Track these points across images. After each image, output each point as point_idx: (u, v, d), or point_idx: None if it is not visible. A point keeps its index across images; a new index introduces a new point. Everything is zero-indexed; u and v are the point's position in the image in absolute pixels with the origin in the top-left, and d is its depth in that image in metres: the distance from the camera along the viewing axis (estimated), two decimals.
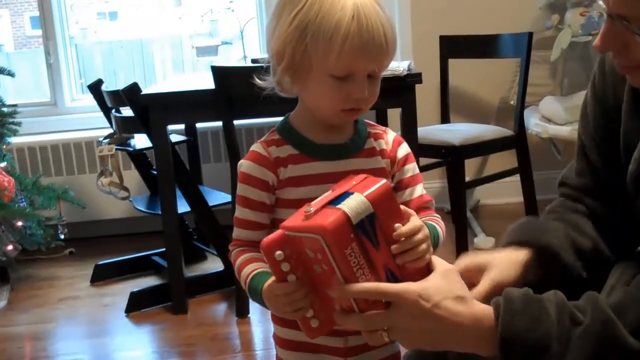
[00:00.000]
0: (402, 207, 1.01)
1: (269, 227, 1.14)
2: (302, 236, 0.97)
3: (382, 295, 0.98)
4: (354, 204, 0.96)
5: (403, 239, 0.98)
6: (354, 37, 1.02)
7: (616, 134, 1.19)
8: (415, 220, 1.00)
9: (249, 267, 1.10)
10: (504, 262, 1.17)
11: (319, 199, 1.01)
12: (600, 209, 1.25)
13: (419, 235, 1.00)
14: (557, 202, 1.33)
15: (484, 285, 1.13)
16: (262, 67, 1.15)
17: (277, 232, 1.01)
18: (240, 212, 1.14)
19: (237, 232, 1.15)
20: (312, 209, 0.97)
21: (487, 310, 1.02)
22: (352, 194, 0.97)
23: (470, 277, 1.15)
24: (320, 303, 1.03)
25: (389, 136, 1.18)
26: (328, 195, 1.00)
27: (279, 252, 1.00)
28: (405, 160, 1.17)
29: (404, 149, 1.18)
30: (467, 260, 1.18)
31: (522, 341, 0.98)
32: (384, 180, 0.99)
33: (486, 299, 1.06)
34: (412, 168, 1.18)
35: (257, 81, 1.14)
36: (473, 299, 1.03)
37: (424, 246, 1.00)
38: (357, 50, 1.03)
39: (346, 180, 1.03)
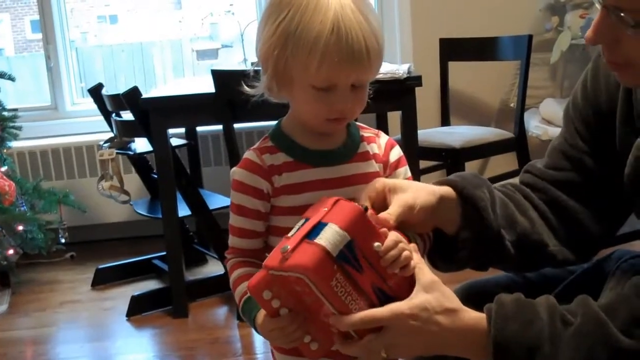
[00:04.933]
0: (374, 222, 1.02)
1: (264, 234, 1.13)
2: (286, 275, 0.97)
3: (376, 323, 1.00)
4: (331, 236, 0.95)
5: (386, 255, 1.00)
6: (332, 51, 1.01)
7: (609, 135, 1.19)
8: (391, 235, 1.01)
9: (244, 285, 1.09)
10: (420, 188, 1.12)
11: (294, 231, 1.00)
12: (571, 204, 1.23)
13: (400, 245, 1.01)
14: (513, 184, 1.31)
15: (394, 207, 1.07)
16: (251, 71, 1.14)
17: (261, 273, 1.00)
18: (234, 220, 1.13)
19: (232, 240, 1.15)
20: (288, 246, 0.96)
21: (478, 318, 1.03)
22: (326, 224, 0.97)
23: (383, 200, 1.09)
24: (317, 326, 1.03)
25: (382, 140, 1.17)
26: (303, 227, 0.99)
27: (266, 291, 1.00)
28: (397, 164, 1.17)
29: (396, 153, 1.17)
30: (381, 182, 1.11)
31: (514, 344, 1.00)
32: (355, 204, 1.00)
33: (397, 219, 1.05)
34: (403, 172, 1.17)
35: (246, 88, 1.13)
36: (463, 307, 1.04)
37: (405, 254, 1.01)
38: (337, 64, 1.02)
39: (317, 205, 1.02)
